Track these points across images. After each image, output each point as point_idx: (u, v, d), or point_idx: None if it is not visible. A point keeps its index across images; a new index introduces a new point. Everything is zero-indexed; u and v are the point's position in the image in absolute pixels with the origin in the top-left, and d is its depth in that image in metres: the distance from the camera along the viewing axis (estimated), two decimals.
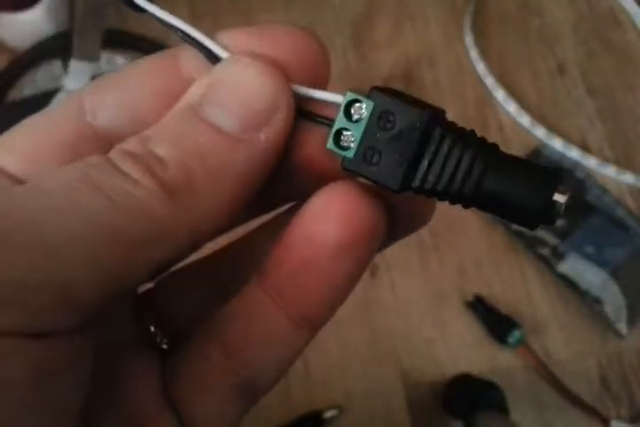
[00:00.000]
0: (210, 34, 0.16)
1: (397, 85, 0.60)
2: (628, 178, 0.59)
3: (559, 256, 0.56)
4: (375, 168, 0.15)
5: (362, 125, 0.15)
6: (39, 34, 0.57)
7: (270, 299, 0.16)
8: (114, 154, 0.14)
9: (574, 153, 0.59)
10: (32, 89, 0.57)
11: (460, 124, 0.15)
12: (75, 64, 0.53)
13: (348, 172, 0.16)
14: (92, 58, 0.53)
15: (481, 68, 0.61)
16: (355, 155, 0.15)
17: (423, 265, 0.56)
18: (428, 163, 0.15)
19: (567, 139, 0.60)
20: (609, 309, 0.54)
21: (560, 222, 0.57)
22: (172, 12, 0.16)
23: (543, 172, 0.15)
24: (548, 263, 0.56)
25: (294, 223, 0.16)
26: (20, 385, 0.12)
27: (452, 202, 0.15)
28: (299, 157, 0.16)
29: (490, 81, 0.61)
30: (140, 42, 0.58)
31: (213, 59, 0.16)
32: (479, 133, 0.15)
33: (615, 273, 0.55)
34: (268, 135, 0.15)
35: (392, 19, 0.64)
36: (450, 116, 0.15)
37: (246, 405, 0.17)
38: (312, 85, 0.16)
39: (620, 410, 0.54)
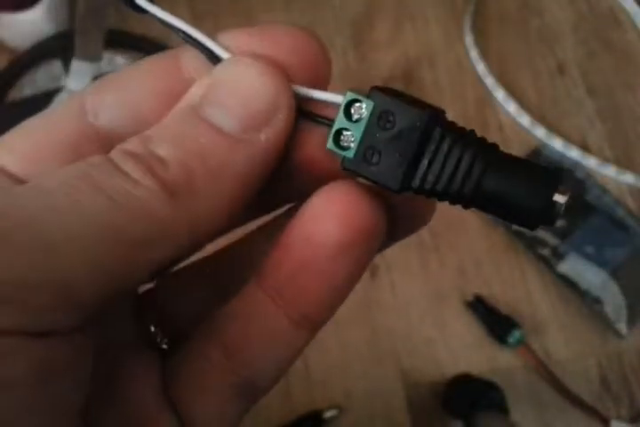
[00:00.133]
0: (210, 34, 0.16)
1: (397, 85, 0.60)
2: (628, 178, 0.59)
3: (559, 256, 0.56)
4: (375, 168, 0.15)
5: (362, 125, 0.15)
6: (39, 34, 0.57)
7: (270, 299, 0.16)
8: (115, 154, 0.14)
9: (574, 153, 0.59)
10: (32, 89, 0.57)
11: (460, 124, 0.15)
12: (76, 64, 0.53)
13: (348, 172, 0.16)
14: (94, 58, 0.53)
15: (481, 68, 0.61)
16: (355, 155, 0.15)
17: (423, 265, 0.56)
18: (428, 163, 0.15)
19: (567, 139, 0.60)
20: (609, 309, 0.55)
21: (560, 222, 0.57)
22: (173, 12, 0.16)
23: (543, 172, 0.15)
24: (548, 263, 0.56)
25: (294, 223, 0.16)
26: (21, 384, 0.12)
27: (452, 202, 0.15)
28: (299, 157, 0.16)
29: (490, 81, 0.61)
30: (140, 42, 0.58)
31: (214, 59, 0.16)
32: (479, 133, 0.15)
33: (615, 273, 0.55)
34: (269, 135, 0.15)
35: (392, 19, 0.64)
36: (450, 116, 0.15)
37: (246, 405, 0.17)
38: (312, 86, 0.16)
39: (620, 410, 0.54)
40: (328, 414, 0.51)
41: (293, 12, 0.63)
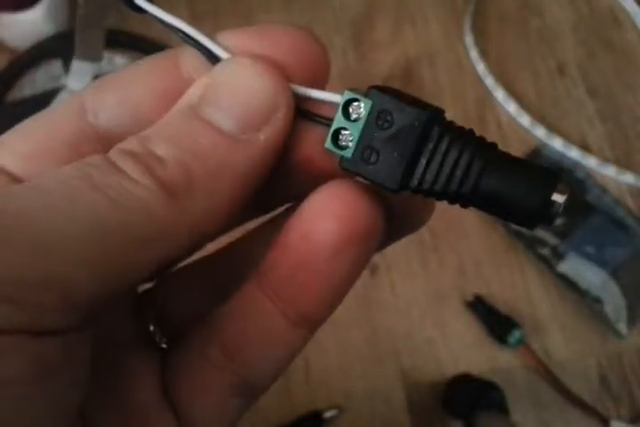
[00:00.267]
0: (210, 34, 0.16)
1: (397, 85, 0.59)
2: (628, 178, 0.59)
3: (559, 256, 0.56)
4: (373, 168, 0.15)
5: (360, 125, 0.15)
6: (39, 34, 0.57)
7: (269, 298, 0.16)
8: (113, 153, 0.14)
9: (574, 153, 0.59)
10: (32, 89, 0.57)
11: (460, 124, 0.15)
12: (77, 64, 0.53)
13: (346, 171, 0.16)
14: (95, 58, 0.53)
15: (481, 68, 0.61)
16: (353, 154, 0.15)
17: (423, 265, 0.56)
18: (426, 162, 0.15)
19: (567, 139, 0.60)
20: (609, 309, 0.54)
21: (560, 222, 0.57)
22: (173, 12, 0.16)
23: (542, 171, 0.15)
24: (548, 263, 0.56)
25: (292, 222, 0.16)
26: (19, 382, 0.12)
27: (451, 202, 0.15)
28: (297, 156, 0.16)
29: (490, 81, 0.61)
30: (140, 42, 0.58)
31: (213, 59, 0.16)
32: (478, 133, 0.15)
33: (615, 273, 0.55)
34: (268, 135, 0.15)
35: (392, 19, 0.64)
36: (450, 116, 0.15)
37: (245, 403, 0.17)
38: (311, 85, 0.16)
39: (619, 410, 0.54)
40: (328, 414, 0.51)
41: (293, 12, 0.63)
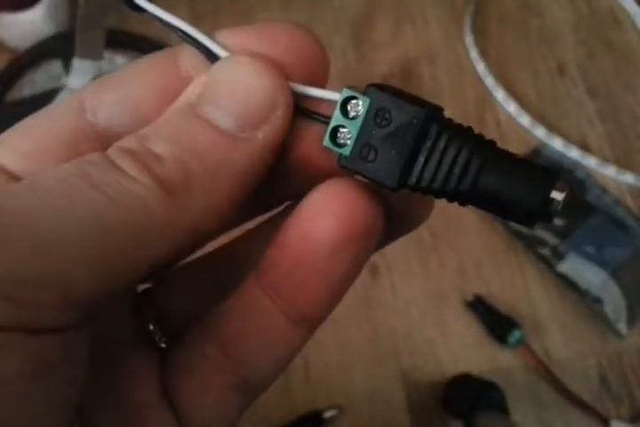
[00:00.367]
0: (208, 33, 0.16)
1: (397, 85, 0.59)
2: (628, 178, 0.59)
3: (559, 256, 0.56)
4: (371, 166, 0.15)
5: (358, 123, 0.15)
6: (39, 34, 0.57)
7: (268, 296, 0.16)
8: (112, 151, 0.14)
9: (574, 153, 0.59)
10: (32, 89, 0.57)
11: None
12: (78, 63, 0.53)
13: (345, 169, 0.16)
14: (96, 56, 0.53)
15: (481, 68, 0.61)
16: (351, 152, 0.15)
17: (423, 265, 0.56)
18: (425, 160, 0.15)
19: (567, 139, 0.60)
20: (609, 309, 0.54)
21: (560, 222, 0.57)
22: (173, 12, 0.16)
23: (541, 169, 0.15)
24: (548, 263, 0.56)
25: (291, 221, 0.16)
26: (17, 379, 0.12)
27: (450, 199, 0.15)
28: (296, 155, 0.16)
29: (490, 81, 0.61)
30: (140, 42, 0.58)
31: (212, 58, 0.16)
32: (478, 132, 0.15)
33: (615, 273, 0.55)
34: (266, 133, 0.15)
35: (392, 19, 0.64)
36: (449, 116, 0.15)
37: (245, 402, 0.17)
38: (310, 84, 0.16)
39: (619, 410, 0.54)
40: (328, 414, 0.51)
41: (293, 12, 0.63)
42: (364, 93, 0.15)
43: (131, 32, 0.58)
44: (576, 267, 0.55)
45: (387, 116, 0.15)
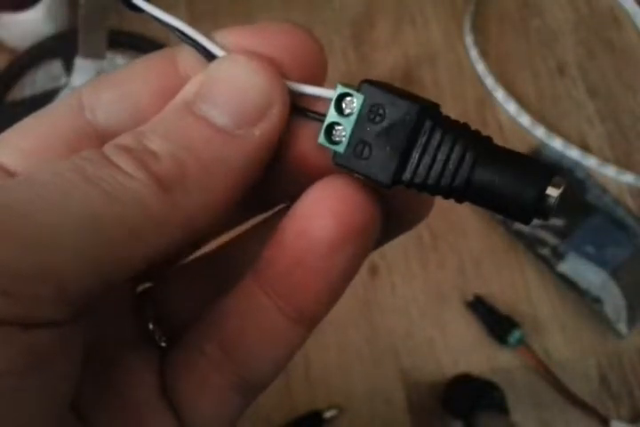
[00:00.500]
0: (206, 33, 0.16)
1: (397, 85, 0.59)
2: (628, 178, 0.59)
3: (559, 256, 0.56)
4: (365, 162, 0.15)
5: (353, 119, 0.15)
6: (39, 34, 0.57)
7: (266, 295, 0.16)
8: (108, 148, 0.14)
9: (574, 153, 0.59)
10: (32, 89, 0.57)
11: None
12: (80, 62, 0.53)
13: (339, 167, 0.15)
14: (98, 55, 0.53)
15: (481, 68, 0.61)
16: (345, 149, 0.15)
17: (423, 265, 0.56)
18: (419, 156, 0.15)
19: (567, 139, 0.60)
20: (609, 309, 0.54)
21: (560, 222, 0.56)
22: (172, 12, 0.16)
23: (537, 164, 0.14)
24: (548, 263, 0.55)
25: (288, 219, 0.16)
26: (10, 373, 0.12)
27: (445, 196, 0.15)
28: (293, 153, 0.16)
29: (490, 81, 0.61)
30: (139, 42, 0.58)
31: (210, 57, 0.16)
32: None
33: (615, 273, 0.55)
34: (263, 131, 0.15)
35: (392, 19, 0.64)
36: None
37: (245, 401, 0.17)
38: (308, 82, 0.16)
39: (619, 410, 0.54)
40: (328, 414, 0.51)
41: (293, 13, 0.63)
42: (358, 90, 0.15)
43: (131, 32, 0.58)
44: (576, 267, 0.55)
45: (381, 112, 0.15)
